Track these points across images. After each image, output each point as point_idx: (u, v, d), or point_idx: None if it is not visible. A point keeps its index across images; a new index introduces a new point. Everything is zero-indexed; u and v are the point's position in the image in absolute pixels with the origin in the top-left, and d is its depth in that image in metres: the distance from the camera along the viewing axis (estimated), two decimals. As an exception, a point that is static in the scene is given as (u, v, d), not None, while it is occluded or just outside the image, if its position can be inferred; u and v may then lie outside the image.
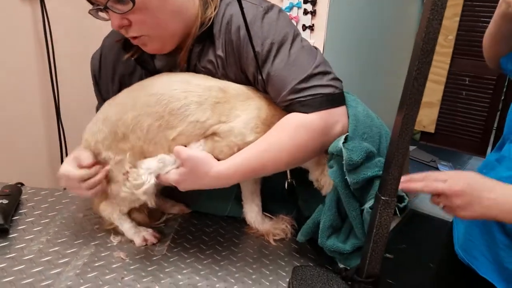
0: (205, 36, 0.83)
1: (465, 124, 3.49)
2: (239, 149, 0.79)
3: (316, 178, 0.85)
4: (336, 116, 0.79)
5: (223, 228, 0.98)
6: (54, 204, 1.03)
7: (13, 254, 0.82)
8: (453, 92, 3.44)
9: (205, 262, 0.85)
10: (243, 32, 0.78)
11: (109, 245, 0.88)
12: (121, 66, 0.92)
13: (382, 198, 0.69)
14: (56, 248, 0.85)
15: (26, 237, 0.88)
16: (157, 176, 0.79)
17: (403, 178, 0.69)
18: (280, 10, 0.83)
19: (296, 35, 0.81)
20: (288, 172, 0.90)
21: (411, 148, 3.63)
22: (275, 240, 0.93)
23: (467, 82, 3.35)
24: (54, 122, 1.67)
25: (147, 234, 0.89)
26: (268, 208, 0.98)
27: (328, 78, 0.79)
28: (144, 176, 0.78)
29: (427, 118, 3.61)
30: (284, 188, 0.92)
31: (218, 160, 0.79)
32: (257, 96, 0.83)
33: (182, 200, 1.04)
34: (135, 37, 0.81)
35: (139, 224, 0.93)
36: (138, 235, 0.88)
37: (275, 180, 0.97)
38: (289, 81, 0.78)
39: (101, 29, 0.98)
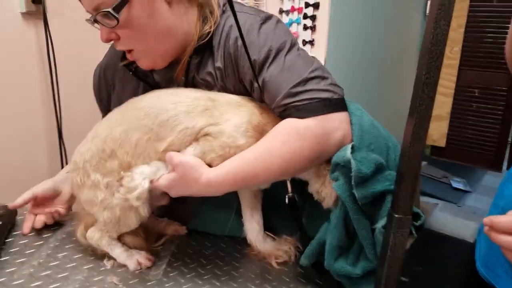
0: (203, 48, 0.82)
1: (477, 138, 3.40)
2: (231, 152, 0.75)
3: (317, 190, 0.79)
4: (335, 123, 0.73)
5: (222, 250, 0.92)
6: (50, 225, 0.98)
7: (2, 279, 0.77)
8: (463, 105, 3.37)
9: (203, 287, 0.79)
10: (240, 42, 0.76)
11: (102, 269, 0.83)
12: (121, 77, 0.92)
13: (396, 216, 0.63)
14: (48, 272, 0.80)
15: (18, 261, 0.84)
16: (151, 182, 0.77)
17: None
18: (278, 20, 0.81)
19: (294, 43, 0.79)
20: (288, 184, 0.84)
21: (422, 163, 3.54)
22: (278, 263, 0.87)
23: (476, 94, 3.28)
24: (55, 141, 1.66)
25: (141, 257, 0.84)
26: (270, 225, 0.93)
27: (326, 83, 0.75)
28: (138, 180, 0.76)
29: (437, 131, 3.53)
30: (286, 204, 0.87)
31: (211, 167, 0.76)
32: (249, 105, 0.80)
33: (179, 219, 0.99)
34: (128, 52, 0.81)
35: (134, 248, 0.87)
36: (131, 259, 0.83)
37: (276, 195, 0.93)
38: (284, 85, 0.74)
39: (104, 49, 0.98)
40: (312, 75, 0.74)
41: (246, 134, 0.76)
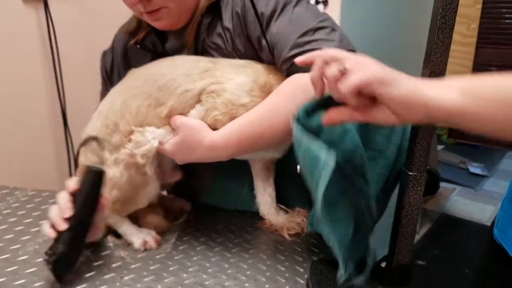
0: (213, 8, 0.80)
1: (495, 119, 3.31)
2: (234, 111, 0.73)
3: None
4: None
5: (233, 224, 0.90)
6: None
7: (7, 255, 0.76)
8: (480, 86, 3.29)
9: (213, 259, 0.77)
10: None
11: (110, 244, 0.81)
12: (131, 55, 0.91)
13: (410, 173, 0.60)
14: (54, 249, 0.79)
15: (23, 238, 0.82)
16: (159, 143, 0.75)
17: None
18: None
19: None
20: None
21: (439, 148, 3.47)
22: (290, 235, 0.84)
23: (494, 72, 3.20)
24: (60, 125, 1.66)
25: (148, 236, 0.81)
26: (282, 198, 0.90)
27: (336, 34, 0.71)
28: (148, 137, 0.74)
29: (454, 114, 3.45)
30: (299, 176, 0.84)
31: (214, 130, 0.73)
32: (255, 66, 0.78)
33: (190, 194, 0.97)
34: (151, 12, 0.78)
35: (155, 228, 0.85)
36: (138, 237, 0.80)
37: (288, 167, 0.90)
38: (292, 36, 0.71)
39: (106, 33, 0.97)
40: (321, 24, 0.71)
41: (251, 93, 0.73)
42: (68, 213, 0.68)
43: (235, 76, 0.75)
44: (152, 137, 0.74)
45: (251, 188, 0.91)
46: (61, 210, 0.69)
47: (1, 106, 1.46)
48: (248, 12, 0.76)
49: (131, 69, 0.83)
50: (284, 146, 0.82)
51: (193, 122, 0.73)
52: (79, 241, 0.71)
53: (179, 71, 0.76)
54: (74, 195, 0.71)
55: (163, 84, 0.75)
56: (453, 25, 0.54)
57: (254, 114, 0.72)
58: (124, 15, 0.96)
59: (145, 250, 0.79)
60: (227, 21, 0.79)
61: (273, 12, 0.74)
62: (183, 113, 0.76)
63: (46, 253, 0.67)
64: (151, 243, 0.80)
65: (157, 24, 0.81)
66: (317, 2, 1.51)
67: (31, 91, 1.58)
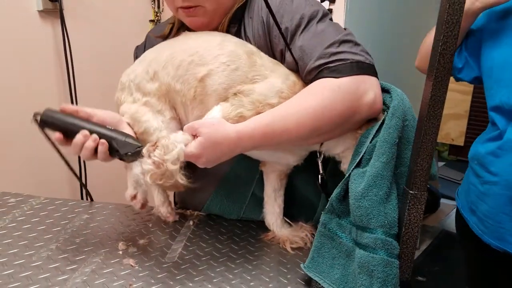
0: (239, 16, 0.84)
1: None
2: (260, 108, 0.74)
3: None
4: (368, 84, 0.72)
5: (237, 235, 0.92)
6: (67, 213, 1.00)
7: (22, 261, 0.79)
8: (481, 102, 3.30)
9: (218, 269, 0.79)
10: (274, 11, 0.78)
11: (119, 252, 0.84)
12: None
13: (411, 192, 0.62)
14: (65, 255, 0.82)
15: (36, 244, 0.85)
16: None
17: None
18: None
19: (326, 13, 0.79)
20: (320, 165, 0.83)
21: (440, 164, 3.49)
22: (292, 249, 0.87)
23: (495, 92, 3.22)
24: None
25: (142, 195, 0.82)
26: (287, 210, 0.92)
27: (359, 48, 0.75)
28: (175, 141, 0.71)
29: (455, 130, 3.47)
30: (311, 189, 0.86)
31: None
32: (285, 68, 0.81)
33: (192, 204, 0.99)
34: (189, 8, 0.81)
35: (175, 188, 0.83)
36: (134, 188, 0.82)
37: (297, 182, 0.92)
38: (318, 48, 0.74)
39: (119, 49, 1.00)
40: (346, 38, 0.74)
41: (280, 95, 0.75)
42: None
43: (270, 73, 0.77)
44: (178, 142, 0.71)
45: (255, 197, 0.94)
46: None
47: (18, 117, 1.49)
48: (274, 26, 0.79)
49: (185, 31, 0.86)
50: (303, 153, 0.84)
51: (212, 119, 0.74)
52: None
53: (229, 43, 0.78)
54: None
55: (213, 46, 0.78)
56: (454, 51, 0.57)
57: (282, 109, 0.73)
58: (137, 32, 1.01)
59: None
60: (250, 31, 0.82)
61: (298, 26, 0.76)
62: (212, 91, 0.77)
63: None
64: (138, 202, 0.82)
65: (189, 20, 0.84)
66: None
67: (46, 103, 1.61)
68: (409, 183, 0.63)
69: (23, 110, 1.55)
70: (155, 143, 0.73)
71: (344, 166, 0.80)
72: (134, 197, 0.81)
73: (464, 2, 0.54)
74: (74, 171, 0.97)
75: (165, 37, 0.90)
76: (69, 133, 0.77)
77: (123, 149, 0.77)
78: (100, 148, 0.77)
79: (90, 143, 0.76)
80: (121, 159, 0.78)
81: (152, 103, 0.81)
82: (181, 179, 0.72)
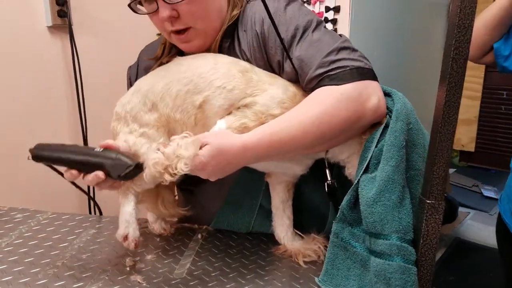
0: (232, 31, 0.83)
1: (507, 141, 3.27)
2: (264, 119, 0.74)
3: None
4: (370, 89, 0.71)
5: (247, 249, 0.90)
6: (74, 228, 0.99)
7: (27, 279, 0.77)
8: (491, 108, 3.27)
9: (228, 286, 0.77)
10: (267, 24, 0.77)
11: (127, 268, 0.82)
12: None
13: (428, 201, 0.60)
14: (71, 272, 0.80)
15: (42, 261, 0.84)
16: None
17: None
18: (302, 3, 0.83)
19: (320, 22, 0.78)
20: (327, 172, 0.81)
21: (451, 171, 3.43)
22: (305, 262, 0.84)
23: (505, 96, 3.18)
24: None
25: (133, 234, 0.78)
26: (296, 221, 0.90)
27: (357, 54, 0.74)
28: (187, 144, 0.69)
29: (465, 136, 3.42)
30: (319, 198, 0.84)
31: None
32: (283, 79, 0.80)
33: (199, 220, 0.98)
34: (179, 33, 0.81)
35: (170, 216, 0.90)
36: (126, 228, 0.79)
37: (305, 191, 0.90)
38: (316, 56, 0.73)
39: (127, 63, 1.00)
40: (343, 45, 0.74)
41: (282, 105, 0.75)
42: None
43: (268, 86, 0.76)
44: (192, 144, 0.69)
45: (263, 210, 0.92)
46: None
47: (25, 131, 1.50)
48: (269, 37, 0.78)
49: (176, 57, 0.85)
50: (309, 161, 0.83)
51: (217, 130, 0.74)
52: None
53: (222, 65, 0.78)
54: None
55: (205, 72, 0.77)
56: (467, 55, 0.55)
57: (286, 118, 0.72)
58: (144, 46, 1.00)
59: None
60: (245, 44, 0.82)
61: (293, 37, 0.76)
62: (213, 113, 0.76)
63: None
64: (131, 242, 0.78)
65: (185, 47, 0.84)
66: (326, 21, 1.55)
67: (55, 117, 1.63)
68: (426, 192, 0.60)
69: (32, 125, 1.57)
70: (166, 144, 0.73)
71: (349, 171, 0.79)
72: (125, 237, 0.78)
73: (476, 6, 0.53)
74: (80, 187, 0.96)
75: (158, 58, 0.90)
76: (61, 164, 0.77)
77: (114, 171, 0.74)
78: (95, 180, 0.74)
79: (87, 179, 0.75)
80: (122, 180, 0.76)
81: (150, 134, 0.80)
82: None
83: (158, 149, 0.71)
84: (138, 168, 0.74)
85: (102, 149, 0.76)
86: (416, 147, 0.71)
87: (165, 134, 0.80)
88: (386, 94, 0.76)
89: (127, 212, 0.80)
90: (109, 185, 0.77)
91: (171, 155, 0.68)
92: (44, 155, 0.77)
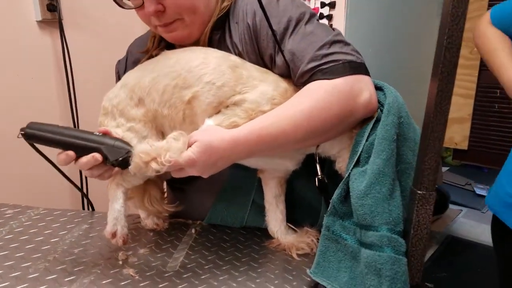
0: (222, 23, 0.83)
1: (500, 139, 3.30)
2: (254, 116, 0.73)
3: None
4: (362, 83, 0.71)
5: (240, 243, 0.90)
6: (66, 223, 0.98)
7: (18, 273, 0.77)
8: (484, 106, 3.28)
9: (221, 278, 0.76)
10: (259, 16, 0.76)
11: (119, 262, 0.81)
12: None
13: (419, 192, 0.60)
14: (63, 266, 0.79)
15: (33, 256, 0.83)
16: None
17: None
18: None
19: (312, 14, 0.78)
20: (318, 167, 0.81)
21: (444, 169, 3.45)
22: (298, 255, 0.84)
23: (498, 94, 3.19)
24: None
25: (122, 231, 0.78)
26: (289, 216, 0.90)
27: (350, 48, 0.73)
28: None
29: (458, 134, 3.44)
30: (311, 193, 0.84)
31: None
32: (275, 72, 0.80)
33: (192, 215, 0.97)
34: (165, 25, 0.80)
35: (157, 213, 0.90)
36: (114, 225, 0.78)
37: (297, 186, 0.90)
38: (308, 50, 0.73)
39: (119, 58, 1.00)
40: (336, 38, 0.73)
41: (272, 101, 0.74)
42: None
43: (258, 82, 0.75)
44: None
45: (256, 205, 0.92)
46: None
47: (16, 127, 1.48)
48: (261, 30, 0.78)
49: (164, 50, 0.84)
50: (300, 157, 0.82)
51: (206, 127, 0.73)
52: None
53: (211, 59, 0.76)
54: None
55: (195, 66, 0.75)
56: (460, 45, 0.55)
57: (277, 112, 0.72)
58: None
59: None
60: (236, 37, 0.81)
61: (286, 29, 0.75)
62: (201, 110, 0.76)
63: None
64: (119, 239, 0.78)
65: (169, 36, 0.83)
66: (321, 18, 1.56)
67: (46, 113, 1.61)
68: (417, 183, 0.60)
69: (22, 120, 1.55)
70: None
71: (339, 165, 0.79)
72: (113, 234, 0.78)
73: (469, -6, 0.53)
74: (71, 180, 0.95)
75: (148, 51, 0.89)
76: (56, 145, 0.74)
77: (112, 155, 0.72)
78: (91, 162, 0.72)
79: (81, 161, 0.72)
80: (114, 166, 0.74)
81: (137, 129, 0.79)
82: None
83: (147, 142, 0.71)
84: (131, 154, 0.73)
85: (100, 134, 0.74)
86: (407, 141, 0.71)
87: (153, 130, 0.80)
88: (378, 88, 0.76)
89: (115, 210, 0.79)
90: (101, 172, 0.76)
91: (159, 149, 0.68)
92: (37, 134, 0.73)
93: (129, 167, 0.71)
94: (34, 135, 0.73)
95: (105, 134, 0.75)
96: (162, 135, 0.81)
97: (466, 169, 3.55)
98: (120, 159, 0.72)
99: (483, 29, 1.20)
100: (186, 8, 0.78)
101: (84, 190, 1.65)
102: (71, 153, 0.72)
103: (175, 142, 0.68)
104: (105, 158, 0.73)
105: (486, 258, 2.33)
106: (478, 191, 3.17)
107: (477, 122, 3.38)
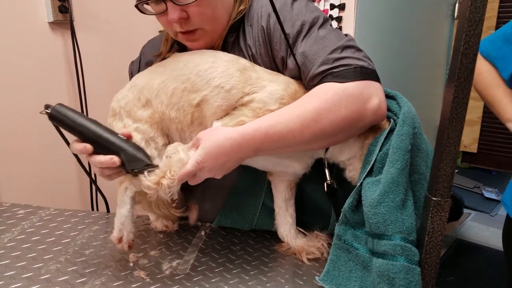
0: (238, 26, 0.83)
1: (509, 143, 3.27)
2: (261, 114, 0.73)
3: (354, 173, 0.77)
4: (372, 89, 0.70)
5: (250, 246, 0.90)
6: (77, 224, 0.99)
7: (30, 274, 0.77)
8: (494, 109, 3.26)
9: (231, 282, 0.76)
10: (273, 18, 0.77)
11: (130, 263, 0.82)
12: None
13: (434, 199, 0.59)
14: (74, 268, 0.80)
15: (45, 257, 0.83)
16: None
17: None
18: (308, 0, 0.81)
19: (326, 19, 0.78)
20: (327, 172, 0.81)
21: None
22: (309, 260, 0.84)
23: (508, 98, 3.17)
24: (83, 148, 1.69)
25: (127, 237, 0.78)
26: (299, 219, 0.90)
27: (362, 54, 0.73)
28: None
29: (468, 137, 3.42)
30: (321, 196, 0.84)
31: None
32: (286, 76, 0.79)
33: (202, 217, 0.97)
34: (187, 32, 0.80)
35: (165, 217, 0.90)
36: (120, 230, 0.78)
37: (307, 189, 0.90)
38: (320, 53, 0.72)
39: (130, 59, 1.01)
40: (348, 43, 0.73)
41: (281, 101, 0.74)
42: None
43: (268, 83, 0.75)
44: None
45: (266, 207, 0.91)
46: None
47: (28, 128, 1.50)
48: (274, 32, 0.78)
49: (174, 53, 0.84)
50: (309, 160, 0.82)
51: (212, 127, 0.73)
52: None
53: (220, 63, 0.76)
54: None
55: (204, 70, 0.75)
56: (477, 51, 0.54)
57: (285, 111, 0.71)
58: (145, 42, 1.00)
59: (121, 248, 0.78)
60: (250, 39, 0.81)
61: (299, 32, 0.75)
62: (210, 113, 0.75)
63: None
64: (124, 245, 0.78)
65: (192, 45, 0.83)
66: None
67: None
68: (432, 189, 0.60)
69: (34, 121, 1.56)
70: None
71: (349, 174, 0.79)
72: (120, 240, 0.78)
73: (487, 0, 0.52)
74: (92, 178, 0.94)
75: (160, 55, 0.89)
76: (76, 134, 0.72)
77: (131, 164, 0.71)
78: (107, 163, 0.72)
79: (98, 159, 0.72)
80: (127, 172, 0.74)
81: (143, 130, 0.79)
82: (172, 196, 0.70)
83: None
84: (149, 167, 0.72)
85: (124, 137, 0.74)
86: (420, 151, 0.71)
87: (158, 131, 0.80)
88: (390, 97, 0.76)
89: (122, 215, 0.79)
90: (110, 173, 0.75)
91: (164, 167, 0.69)
92: (63, 116, 0.71)
93: (145, 190, 0.70)
94: (59, 117, 0.71)
95: (128, 139, 0.75)
96: (167, 137, 0.82)
97: (474, 172, 3.53)
98: (137, 170, 0.71)
99: None
100: (208, 16, 0.78)
101: (99, 189, 1.66)
102: (89, 146, 0.72)
103: (174, 155, 0.68)
104: (122, 164, 0.72)
105: (495, 262, 2.32)
106: (487, 194, 3.14)
107: (487, 125, 3.35)
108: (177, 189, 0.70)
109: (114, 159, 0.71)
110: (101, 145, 0.72)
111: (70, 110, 0.72)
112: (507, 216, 1.25)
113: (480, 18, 0.52)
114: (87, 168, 0.89)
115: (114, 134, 0.73)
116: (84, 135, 0.72)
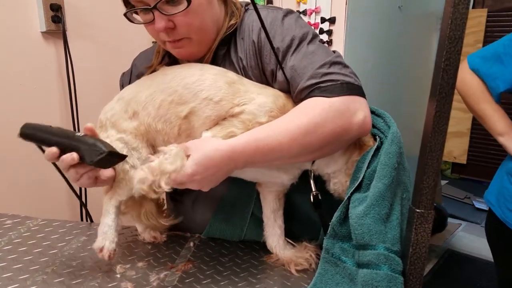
0: (229, 39, 0.84)
1: (499, 153, 3.31)
2: (251, 127, 0.74)
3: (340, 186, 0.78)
4: (358, 104, 0.72)
5: (239, 257, 0.90)
6: (64, 235, 0.98)
7: (16, 285, 0.77)
8: (483, 121, 3.30)
9: (220, 293, 0.76)
10: (264, 33, 0.78)
11: (117, 275, 0.81)
12: None
13: (417, 211, 0.61)
14: (61, 279, 0.79)
15: (31, 268, 0.83)
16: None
17: None
18: (299, 15, 0.84)
19: (315, 35, 0.80)
20: (312, 183, 0.82)
21: (442, 183, 3.45)
22: (297, 271, 0.84)
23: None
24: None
25: (109, 246, 0.78)
26: (288, 229, 0.90)
27: (348, 71, 0.75)
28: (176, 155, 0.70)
29: (457, 148, 3.45)
30: (310, 207, 0.84)
31: None
32: (274, 89, 0.81)
33: (191, 228, 0.97)
34: (174, 41, 0.81)
35: (154, 227, 0.91)
36: (102, 240, 0.79)
37: (296, 199, 0.91)
38: (309, 68, 0.74)
39: (122, 69, 1.01)
40: (336, 60, 0.75)
41: (270, 114, 0.75)
42: None
43: (256, 95, 0.76)
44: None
45: (255, 218, 0.92)
46: None
47: (18, 138, 1.49)
48: (265, 46, 0.79)
49: (163, 66, 0.85)
50: (296, 171, 0.83)
51: (201, 138, 0.74)
52: None
53: (208, 76, 0.77)
54: None
55: (191, 83, 0.76)
56: (457, 67, 0.56)
57: (274, 125, 0.73)
58: (138, 52, 1.01)
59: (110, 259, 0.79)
60: (242, 51, 0.82)
61: (289, 47, 0.77)
62: (199, 124, 0.76)
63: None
64: (106, 254, 0.78)
65: (177, 52, 0.84)
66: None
67: (48, 122, 1.59)
68: (415, 201, 0.61)
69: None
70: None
71: (334, 187, 0.81)
72: (101, 249, 0.78)
73: (466, 18, 0.54)
74: (73, 188, 0.95)
75: (152, 67, 0.90)
76: (45, 144, 0.76)
77: (88, 156, 0.72)
78: (69, 161, 0.72)
79: (62, 159, 0.72)
80: (93, 166, 0.73)
81: (126, 140, 0.79)
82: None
83: (146, 161, 0.71)
84: (112, 156, 0.72)
85: (83, 134, 0.75)
86: (405, 169, 0.74)
87: (143, 142, 0.80)
88: (377, 115, 0.79)
89: (105, 224, 0.80)
90: (82, 173, 0.76)
91: (156, 170, 0.69)
92: (29, 133, 0.77)
93: (134, 193, 0.72)
94: (26, 134, 0.77)
95: (90, 132, 0.75)
96: (152, 148, 0.82)
97: (465, 182, 3.56)
98: (95, 160, 0.71)
99: (462, 75, 1.31)
100: (195, 27, 0.79)
101: (83, 200, 1.65)
102: (54, 149, 0.73)
103: (170, 165, 0.68)
104: (82, 158, 0.73)
105: (486, 273, 2.33)
106: (477, 205, 3.17)
107: (476, 136, 3.39)
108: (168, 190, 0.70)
109: (73, 155, 0.72)
110: (63, 146, 0.74)
111: (36, 125, 0.78)
112: (490, 210, 1.32)
113: (460, 36, 0.54)
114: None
115: (71, 133, 0.75)
116: (48, 141, 0.75)
